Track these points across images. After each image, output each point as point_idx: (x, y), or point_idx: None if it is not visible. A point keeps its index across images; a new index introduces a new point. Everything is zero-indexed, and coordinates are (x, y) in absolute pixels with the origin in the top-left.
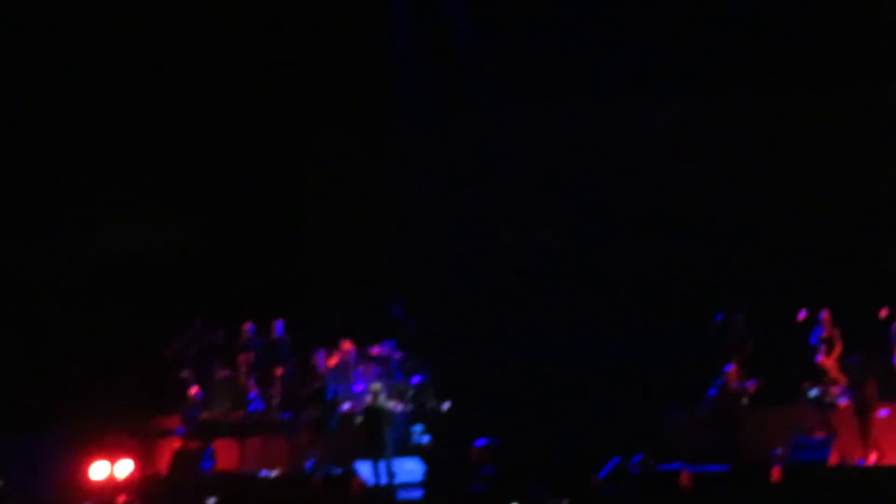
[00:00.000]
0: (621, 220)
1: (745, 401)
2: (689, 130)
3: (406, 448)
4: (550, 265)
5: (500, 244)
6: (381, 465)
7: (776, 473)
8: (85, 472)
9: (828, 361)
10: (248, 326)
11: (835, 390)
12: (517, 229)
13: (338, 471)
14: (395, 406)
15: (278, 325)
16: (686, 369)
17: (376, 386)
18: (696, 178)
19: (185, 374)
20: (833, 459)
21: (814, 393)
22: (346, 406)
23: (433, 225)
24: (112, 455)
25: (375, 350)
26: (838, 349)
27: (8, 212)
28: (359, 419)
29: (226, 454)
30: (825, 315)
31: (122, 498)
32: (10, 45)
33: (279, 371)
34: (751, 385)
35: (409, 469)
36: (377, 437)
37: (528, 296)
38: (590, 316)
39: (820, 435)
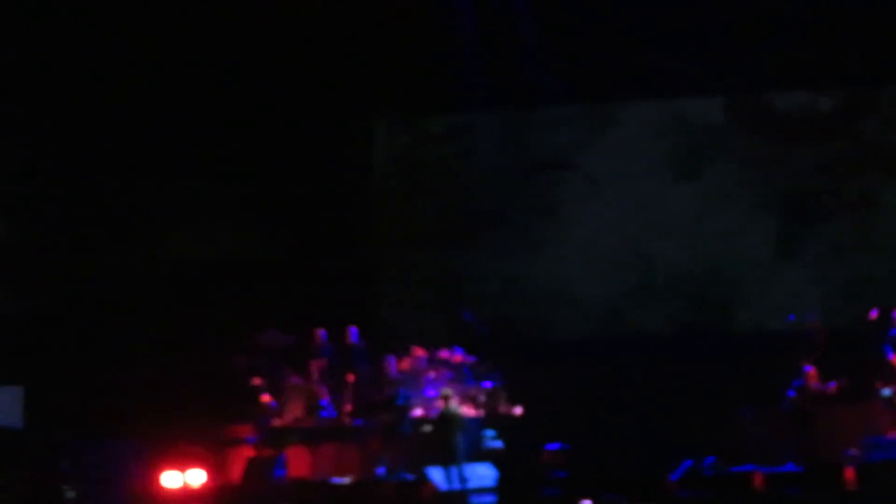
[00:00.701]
0: None
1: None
2: None
3: (478, 453)
4: None
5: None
6: (454, 470)
7: (849, 474)
8: (157, 481)
9: None
10: (319, 333)
11: None
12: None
13: (410, 477)
14: (466, 411)
15: (353, 332)
16: (758, 370)
17: (448, 391)
18: None
19: (256, 381)
20: None
21: (887, 392)
22: (417, 412)
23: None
24: (184, 464)
25: (447, 355)
26: None
27: (86, 222)
28: (430, 425)
29: (298, 461)
30: None
31: None
32: (92, 49)
33: (351, 377)
34: (832, 386)
35: (481, 474)
36: (449, 442)
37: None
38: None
39: (893, 434)
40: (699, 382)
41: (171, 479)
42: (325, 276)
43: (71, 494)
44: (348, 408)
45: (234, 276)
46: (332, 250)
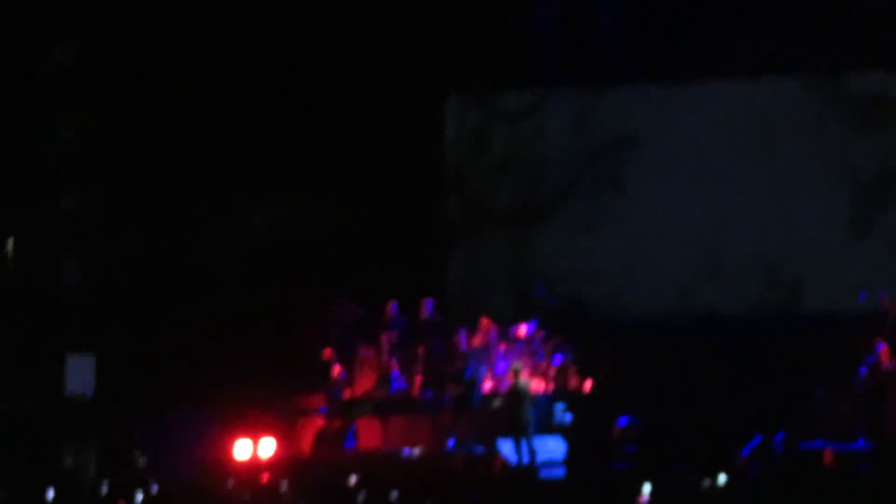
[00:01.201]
0: None
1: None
2: None
3: (547, 427)
4: None
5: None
6: (523, 443)
7: None
8: (228, 451)
9: None
10: (391, 305)
11: None
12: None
13: (480, 450)
14: (536, 385)
15: (428, 304)
16: (829, 349)
17: (518, 365)
18: None
19: (328, 353)
20: None
21: None
22: (487, 385)
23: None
24: (255, 434)
25: (517, 330)
26: None
27: (161, 195)
28: (501, 398)
29: (368, 433)
30: None
31: (265, 477)
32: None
33: (422, 350)
34: None
35: (551, 447)
36: (519, 415)
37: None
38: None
39: None
40: (770, 361)
41: (242, 448)
42: (399, 250)
43: (143, 461)
44: (419, 380)
45: (308, 251)
46: (406, 225)
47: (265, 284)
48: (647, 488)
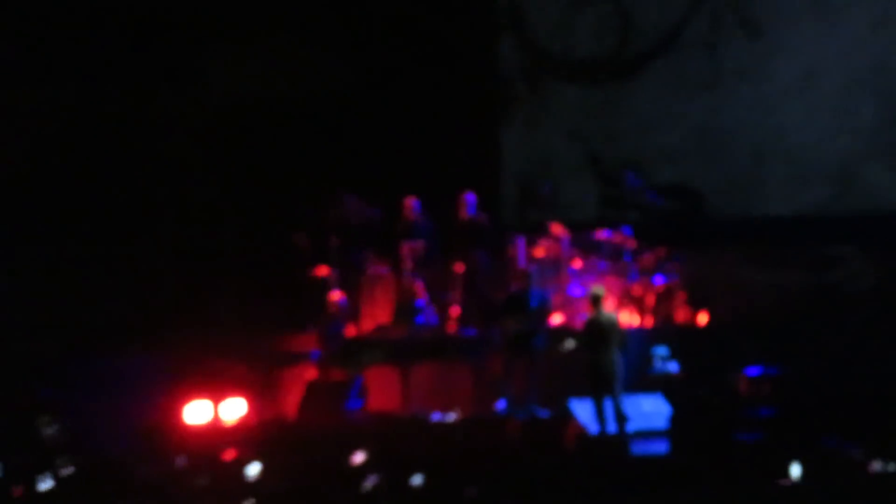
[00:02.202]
0: None
1: None
2: None
3: (644, 380)
4: None
5: None
6: (608, 404)
7: None
8: (178, 415)
9: None
10: (412, 203)
11: None
12: None
13: (545, 413)
14: (627, 319)
15: (469, 200)
16: None
17: (600, 289)
18: None
19: (323, 271)
20: None
21: None
22: (556, 319)
23: None
24: (217, 390)
25: (601, 236)
26: None
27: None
28: (575, 339)
29: (382, 389)
30: None
31: (230, 452)
32: None
33: (461, 267)
34: None
35: (648, 410)
36: (601, 364)
37: None
38: None
39: None
40: None
41: (198, 411)
42: (428, 117)
43: (51, 430)
44: (456, 311)
45: (296, 122)
46: (439, 81)
47: (235, 169)
48: (795, 469)
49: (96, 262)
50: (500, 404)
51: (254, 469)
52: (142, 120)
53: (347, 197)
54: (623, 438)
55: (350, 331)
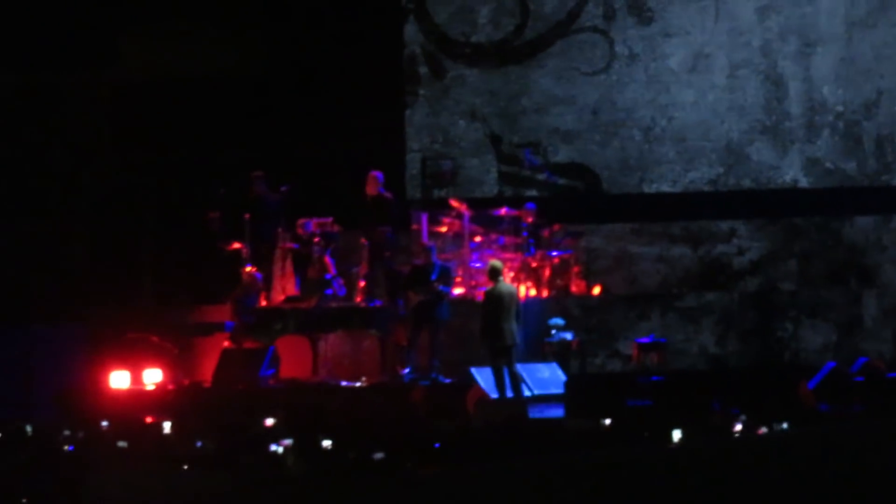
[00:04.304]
0: None
1: None
2: None
3: (541, 349)
4: None
5: None
6: (507, 371)
7: None
8: (99, 383)
9: None
10: (258, 176)
11: None
12: None
13: (446, 380)
14: (525, 290)
15: (377, 177)
16: None
17: (499, 263)
18: None
19: (235, 245)
20: None
21: None
22: (457, 290)
23: None
24: (136, 359)
25: (500, 212)
26: None
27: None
28: (475, 308)
29: (293, 357)
30: None
31: (149, 417)
32: None
33: (366, 241)
34: None
35: (545, 377)
36: (501, 333)
37: None
38: None
39: None
40: (852, 251)
41: (118, 379)
42: (332, 100)
43: None
44: (362, 283)
45: (207, 101)
46: (343, 64)
47: (150, 151)
48: (676, 434)
49: (15, 237)
50: (406, 371)
51: (166, 429)
52: (57, 98)
53: (256, 176)
54: (521, 403)
55: (262, 302)
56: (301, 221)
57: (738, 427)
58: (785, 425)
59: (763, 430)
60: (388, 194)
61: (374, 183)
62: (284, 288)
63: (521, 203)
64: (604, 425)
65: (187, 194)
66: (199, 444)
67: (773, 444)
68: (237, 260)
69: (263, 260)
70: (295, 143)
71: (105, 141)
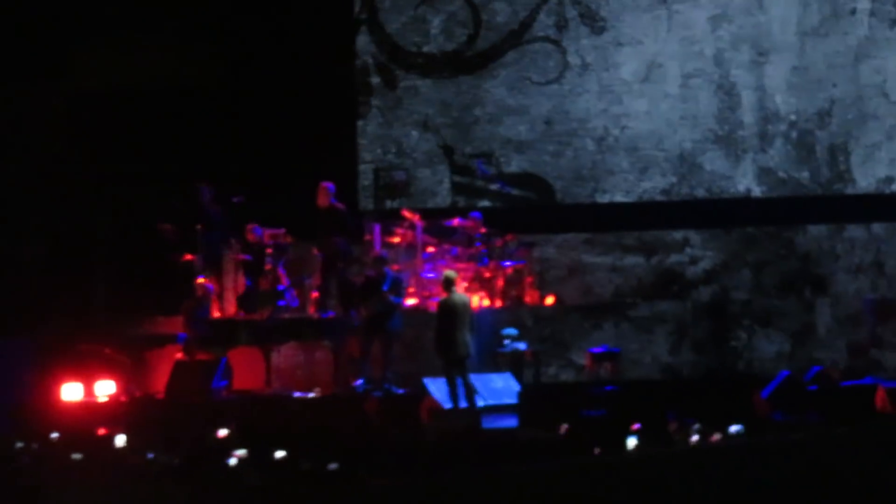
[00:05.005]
0: None
1: None
2: None
3: (495, 359)
4: None
5: None
6: (460, 382)
7: None
8: (52, 394)
9: None
10: (203, 188)
11: None
12: None
13: (399, 391)
14: (478, 301)
15: (329, 188)
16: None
17: (452, 273)
18: None
19: (188, 257)
20: None
21: None
22: (410, 301)
23: None
24: (89, 371)
25: (453, 222)
26: None
27: None
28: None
29: (245, 369)
30: None
31: (102, 429)
32: None
33: (319, 252)
34: None
35: (499, 387)
36: (454, 344)
37: None
38: None
39: None
40: (805, 260)
41: (70, 392)
42: (288, 111)
43: None
44: (315, 294)
45: (159, 111)
46: (298, 75)
47: (103, 163)
48: (631, 442)
49: None
50: (359, 382)
51: (119, 441)
52: (8, 109)
53: (200, 186)
54: (474, 413)
55: (215, 313)
56: (250, 226)
57: (695, 438)
58: (740, 427)
59: (717, 436)
60: (339, 205)
61: (326, 194)
62: (237, 299)
63: (471, 213)
64: (558, 435)
65: (140, 205)
66: (150, 456)
67: (728, 452)
68: (189, 271)
69: (215, 271)
70: (247, 155)
71: (57, 151)
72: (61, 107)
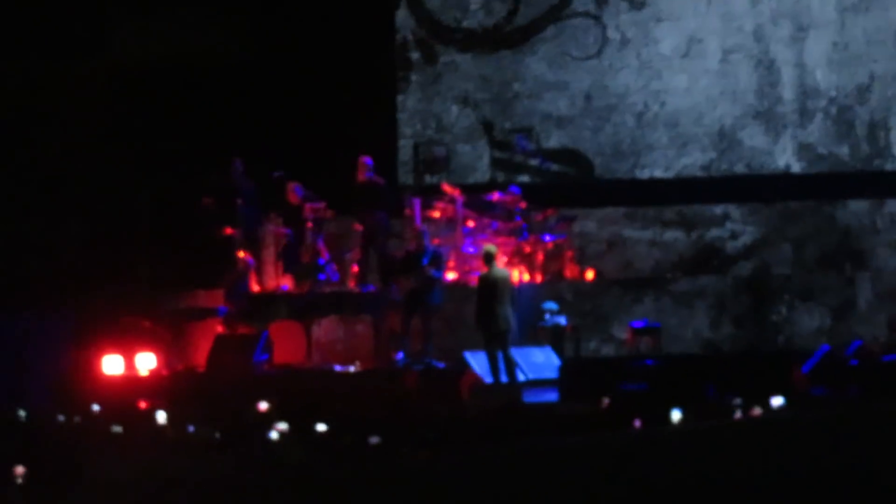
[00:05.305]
0: None
1: None
2: None
3: (535, 333)
4: None
5: None
6: (501, 356)
7: None
8: (93, 368)
9: None
10: (235, 162)
11: None
12: None
13: (440, 364)
14: (519, 276)
15: (367, 163)
16: None
17: (492, 248)
18: None
19: (228, 231)
20: None
21: None
22: (451, 276)
23: None
24: (130, 345)
25: (493, 197)
26: None
27: None
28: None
29: (287, 342)
30: None
31: (143, 403)
32: None
33: (360, 226)
34: None
35: (539, 362)
36: (495, 318)
37: None
38: None
39: None
40: (846, 234)
41: (112, 365)
42: (326, 86)
43: None
44: (355, 269)
45: (197, 89)
46: (337, 51)
47: (143, 140)
48: (675, 415)
49: (8, 224)
50: (399, 356)
51: (160, 417)
52: (48, 85)
53: (236, 161)
54: (515, 388)
55: (255, 287)
56: (292, 185)
57: (737, 414)
58: (781, 399)
59: (758, 410)
60: (378, 179)
61: (364, 168)
62: (277, 274)
63: (511, 188)
64: (598, 409)
65: (181, 181)
66: (190, 429)
67: (769, 427)
68: (230, 245)
69: (256, 245)
70: (287, 130)
71: (97, 127)
72: (101, 83)
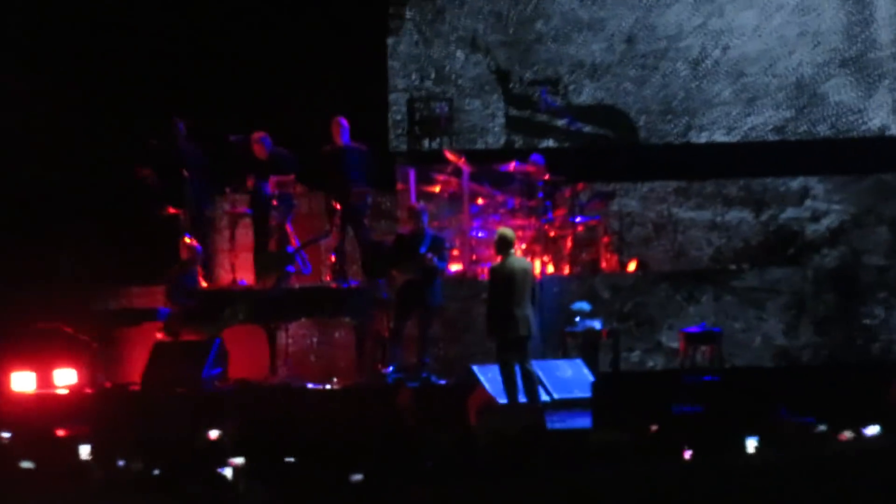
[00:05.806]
0: None
1: None
2: None
3: (563, 341)
4: None
5: None
6: (518, 369)
7: None
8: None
9: None
10: (178, 123)
11: None
12: None
13: (441, 381)
14: (541, 267)
15: (342, 123)
16: None
17: (508, 232)
18: None
19: (171, 210)
20: None
21: None
22: (455, 267)
23: None
24: (45, 357)
25: (510, 167)
26: None
27: None
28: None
29: (245, 352)
30: None
31: (62, 430)
32: None
33: (338, 205)
34: None
35: (567, 377)
36: (510, 321)
37: None
38: None
39: None
40: None
41: (21, 382)
42: (300, 17)
43: None
44: (333, 259)
45: (134, 19)
46: None
47: (63, 95)
48: (751, 444)
49: None
50: (389, 370)
51: (86, 449)
52: None
53: (178, 122)
54: (537, 409)
55: (205, 284)
56: (257, 135)
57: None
58: (876, 429)
59: (847, 435)
60: (359, 145)
61: (339, 130)
62: (233, 265)
63: (532, 156)
64: (643, 438)
65: (110, 146)
66: (121, 463)
67: (863, 460)
68: (173, 229)
69: (206, 229)
70: (247, 82)
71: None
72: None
